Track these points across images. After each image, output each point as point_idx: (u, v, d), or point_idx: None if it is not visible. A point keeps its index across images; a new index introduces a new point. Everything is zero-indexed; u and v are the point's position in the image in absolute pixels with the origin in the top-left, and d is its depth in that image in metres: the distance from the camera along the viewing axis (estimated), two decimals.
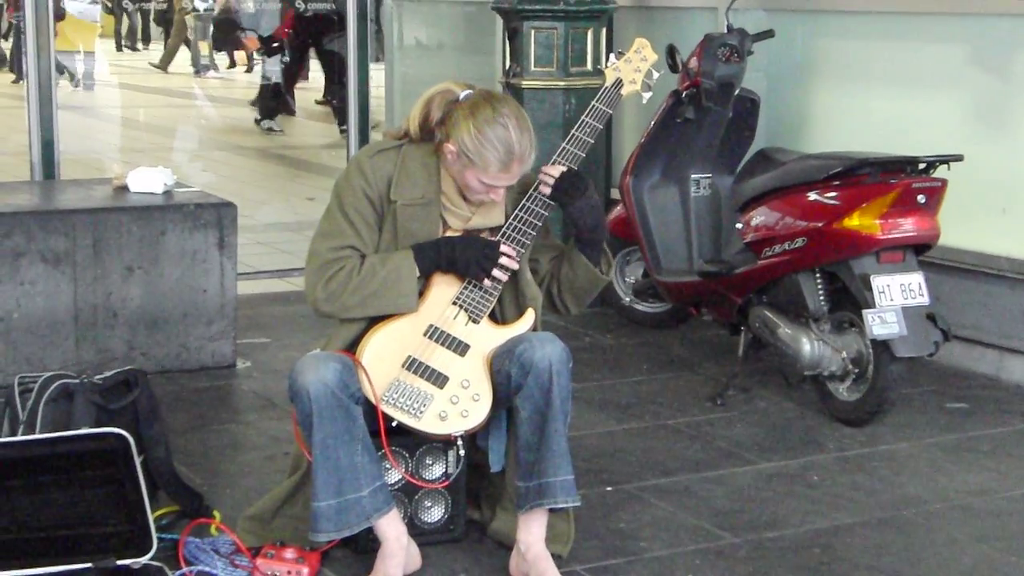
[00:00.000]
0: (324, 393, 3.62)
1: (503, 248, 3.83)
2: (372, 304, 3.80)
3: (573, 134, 3.94)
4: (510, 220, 3.87)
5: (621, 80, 4.05)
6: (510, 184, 3.82)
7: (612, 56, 4.11)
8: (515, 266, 3.85)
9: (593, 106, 3.99)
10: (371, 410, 3.73)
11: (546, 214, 3.88)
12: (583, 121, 3.96)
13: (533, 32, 6.85)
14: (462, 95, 3.82)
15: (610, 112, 4.00)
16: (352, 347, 3.81)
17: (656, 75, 4.10)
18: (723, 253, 5.92)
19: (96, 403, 4.04)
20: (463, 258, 3.80)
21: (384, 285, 3.77)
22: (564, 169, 3.87)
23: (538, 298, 3.93)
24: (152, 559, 3.70)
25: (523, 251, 3.86)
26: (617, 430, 5.18)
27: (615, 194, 6.68)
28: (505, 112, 3.75)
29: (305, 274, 3.87)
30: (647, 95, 4.10)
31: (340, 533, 3.70)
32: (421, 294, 3.84)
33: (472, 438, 3.93)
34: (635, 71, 4.06)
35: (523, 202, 3.87)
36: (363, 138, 7.91)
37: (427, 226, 3.85)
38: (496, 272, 3.82)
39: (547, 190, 3.86)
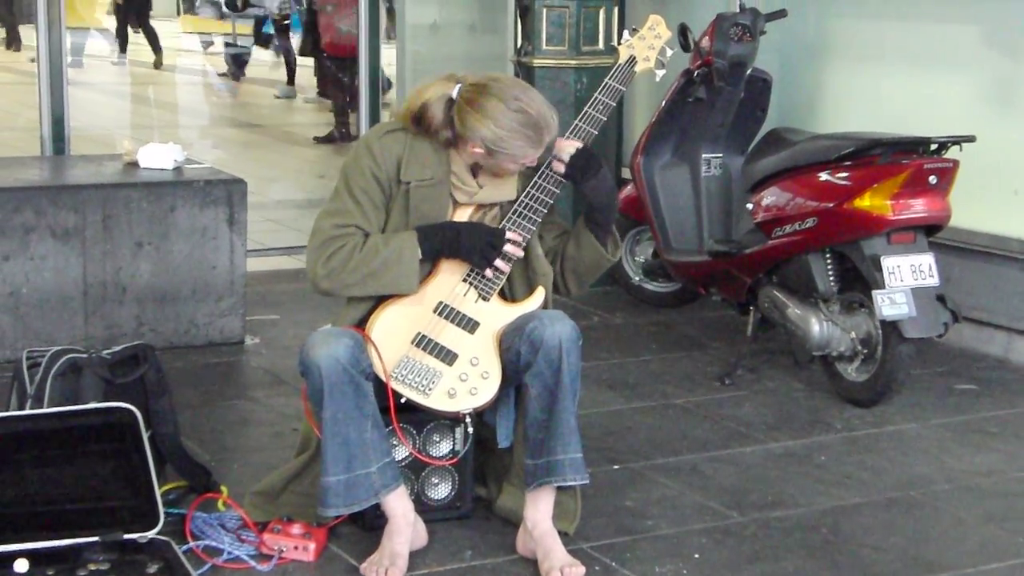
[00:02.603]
0: (335, 369, 3.61)
1: (509, 235, 3.81)
2: (371, 283, 3.78)
3: (586, 111, 3.92)
4: (520, 198, 3.86)
5: (635, 57, 4.02)
6: (547, 152, 3.80)
7: (626, 33, 4.07)
8: (520, 254, 3.84)
9: (606, 83, 3.96)
10: (380, 386, 3.72)
11: (558, 192, 3.86)
12: (596, 99, 3.94)
13: (545, 10, 6.84)
14: (454, 93, 3.77)
15: (623, 90, 3.98)
16: (361, 325, 3.81)
17: (670, 52, 4.07)
18: (733, 233, 5.91)
19: (104, 378, 4.04)
20: (466, 245, 3.78)
21: (385, 265, 3.76)
22: (579, 146, 3.86)
23: (549, 275, 3.91)
24: (159, 533, 3.70)
25: (533, 230, 3.85)
26: (625, 409, 5.18)
27: (626, 173, 6.67)
28: (512, 93, 3.71)
29: (307, 250, 3.85)
30: (660, 73, 4.07)
31: (349, 508, 3.70)
32: (431, 271, 3.83)
33: (480, 414, 3.93)
34: (649, 48, 4.03)
35: (535, 179, 3.86)
36: (374, 118, 7.90)
37: (437, 205, 3.83)
38: (499, 263, 3.81)
39: (561, 168, 3.84)
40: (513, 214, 3.84)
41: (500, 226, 3.83)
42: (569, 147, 3.84)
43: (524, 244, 3.84)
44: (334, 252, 3.77)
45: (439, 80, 3.84)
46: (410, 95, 3.87)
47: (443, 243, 3.79)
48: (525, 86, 3.77)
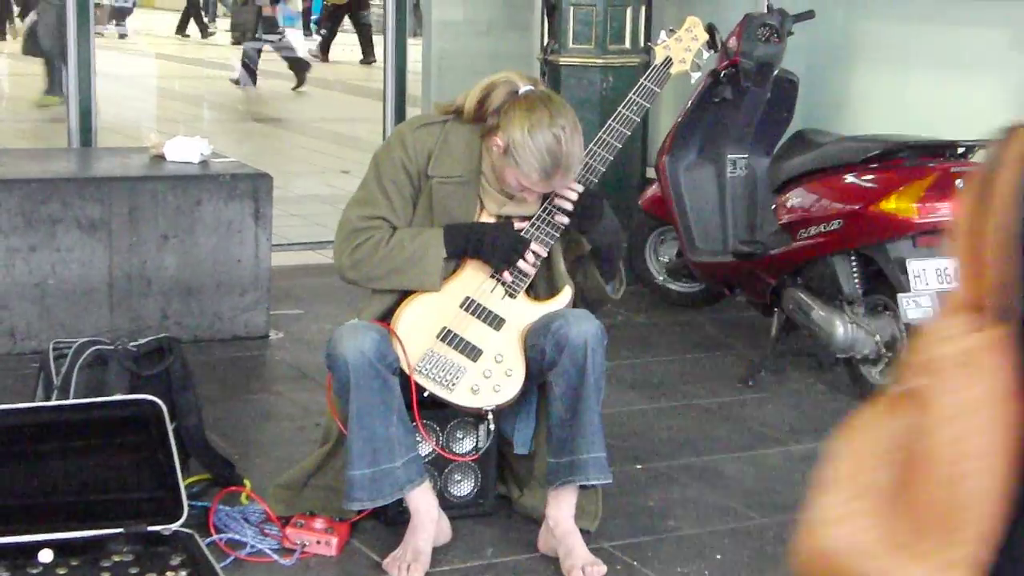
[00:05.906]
0: (362, 363, 3.62)
1: (533, 247, 3.78)
2: (395, 278, 3.78)
3: (619, 112, 3.90)
4: (538, 212, 3.81)
5: (671, 59, 3.99)
6: (547, 191, 3.77)
7: (662, 33, 4.04)
8: (535, 268, 3.82)
9: (642, 84, 3.94)
10: (404, 382, 3.73)
11: (567, 220, 3.83)
12: (630, 99, 3.91)
13: (572, 9, 6.83)
14: (523, 89, 3.75)
15: (658, 91, 3.94)
16: (385, 318, 3.81)
17: (706, 55, 4.04)
18: (758, 234, 5.90)
19: (130, 370, 4.06)
20: (490, 247, 3.77)
21: (409, 261, 3.76)
22: (580, 190, 3.79)
23: (572, 288, 3.90)
24: (183, 526, 3.71)
25: (551, 243, 3.81)
26: (648, 409, 5.18)
27: (651, 173, 6.66)
28: (562, 123, 3.65)
29: (335, 239, 3.86)
30: (696, 75, 4.05)
31: (374, 502, 3.71)
32: (459, 266, 3.83)
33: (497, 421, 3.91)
34: (685, 50, 4.00)
35: (546, 203, 3.81)
36: (399, 114, 7.88)
37: (464, 205, 3.82)
38: (521, 264, 3.78)
39: (565, 219, 3.78)
40: (532, 227, 3.81)
41: (523, 233, 3.81)
42: (571, 193, 3.78)
43: (545, 254, 3.82)
44: (360, 243, 3.77)
45: (519, 72, 3.83)
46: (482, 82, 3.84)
47: (468, 242, 3.78)
48: (576, 127, 3.69)
